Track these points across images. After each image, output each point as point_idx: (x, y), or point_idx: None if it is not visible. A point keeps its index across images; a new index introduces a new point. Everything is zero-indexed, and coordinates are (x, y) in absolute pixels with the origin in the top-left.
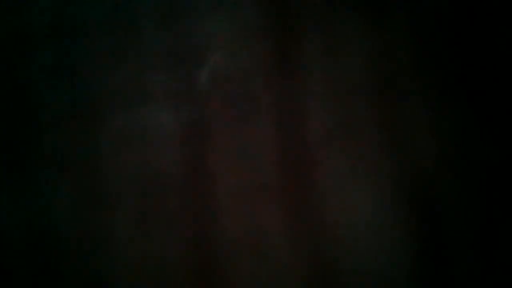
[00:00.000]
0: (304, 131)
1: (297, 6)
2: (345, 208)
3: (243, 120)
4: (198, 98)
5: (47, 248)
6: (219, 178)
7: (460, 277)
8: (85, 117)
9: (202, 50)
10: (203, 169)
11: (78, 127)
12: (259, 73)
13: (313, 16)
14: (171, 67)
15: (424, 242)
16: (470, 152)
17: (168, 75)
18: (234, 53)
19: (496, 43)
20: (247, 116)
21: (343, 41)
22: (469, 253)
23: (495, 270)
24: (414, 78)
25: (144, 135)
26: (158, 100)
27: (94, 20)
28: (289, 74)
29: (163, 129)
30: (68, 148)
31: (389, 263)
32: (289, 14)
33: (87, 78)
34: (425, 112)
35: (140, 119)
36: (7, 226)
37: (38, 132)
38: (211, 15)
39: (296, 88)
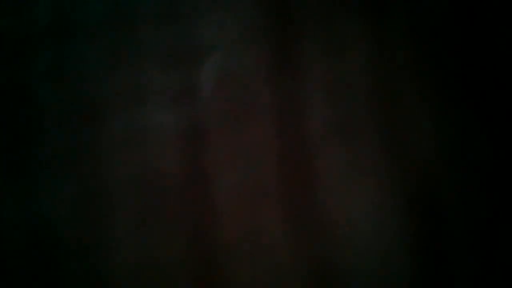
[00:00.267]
0: (304, 131)
1: (297, 6)
2: (345, 208)
3: (243, 120)
4: (198, 98)
5: (47, 248)
6: (219, 177)
7: (460, 277)
8: (85, 117)
9: (202, 50)
10: (203, 169)
11: (78, 127)
12: (259, 73)
13: (313, 16)
14: (171, 67)
15: (424, 242)
16: (470, 152)
17: (168, 75)
18: (234, 53)
19: (496, 43)
20: (247, 116)
21: (343, 41)
22: (469, 253)
23: (495, 270)
24: (414, 78)
25: (144, 135)
26: (158, 100)
27: (94, 20)
28: (289, 74)
29: (163, 129)
30: (68, 148)
31: (389, 263)
32: (289, 14)
33: (87, 78)
34: (425, 112)
35: (140, 119)
36: (7, 226)
37: (38, 132)
38: (211, 15)
39: (296, 88)
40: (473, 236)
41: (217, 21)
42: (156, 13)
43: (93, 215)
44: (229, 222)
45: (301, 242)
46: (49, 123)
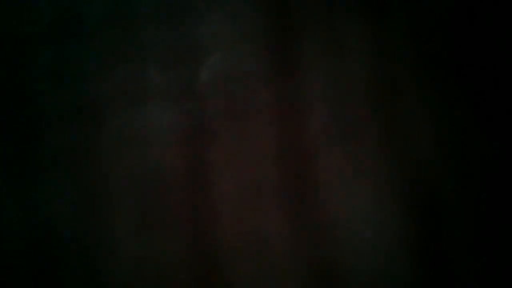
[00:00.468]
0: (304, 131)
1: (297, 6)
2: (345, 208)
3: (243, 119)
4: (198, 98)
5: (47, 248)
6: (219, 177)
7: (460, 277)
8: (85, 117)
9: (202, 50)
10: (203, 168)
11: (78, 127)
12: (259, 73)
13: (313, 16)
14: (171, 66)
15: (424, 242)
16: (470, 152)
17: (168, 74)
18: (234, 53)
19: (496, 43)
20: (247, 116)
21: (343, 41)
22: (469, 253)
23: (495, 270)
24: (414, 78)
25: (144, 134)
26: (158, 99)
27: (94, 20)
28: (289, 74)
29: (163, 129)
30: (69, 148)
31: (389, 263)
32: (289, 14)
33: (87, 77)
34: (425, 112)
35: (140, 118)
36: (7, 226)
37: (39, 132)
38: (211, 15)
39: (296, 88)
40: (473, 236)
41: (217, 21)
42: (156, 13)
43: (93, 215)
44: (229, 222)
45: (301, 242)
46: (49, 123)
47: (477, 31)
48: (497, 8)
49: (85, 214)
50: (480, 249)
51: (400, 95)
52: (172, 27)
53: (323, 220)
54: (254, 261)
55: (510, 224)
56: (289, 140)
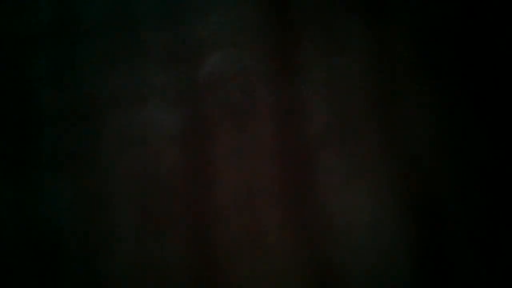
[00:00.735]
0: (304, 131)
1: (297, 6)
2: (345, 208)
3: (243, 119)
4: (198, 98)
5: (47, 248)
6: (219, 177)
7: (460, 277)
8: (85, 117)
9: (202, 50)
10: (203, 168)
11: (78, 127)
12: (259, 73)
13: (313, 16)
14: (171, 67)
15: (424, 242)
16: (470, 152)
17: (168, 75)
18: (234, 53)
19: (496, 43)
20: (247, 116)
21: (343, 41)
22: (469, 253)
23: (495, 270)
24: (414, 78)
25: (144, 134)
26: (158, 100)
27: (94, 20)
28: (289, 74)
29: (163, 129)
30: (68, 148)
31: (389, 263)
32: (289, 14)
33: (87, 78)
34: (425, 112)
35: (140, 119)
36: (7, 226)
37: (38, 132)
38: (211, 15)
39: (296, 88)
40: (473, 235)
41: (217, 21)
42: (156, 13)
43: (93, 215)
44: (229, 222)
45: (301, 242)
46: (49, 123)
47: (477, 31)
48: (497, 8)
49: (85, 214)
50: (480, 249)
51: (400, 95)
52: (172, 27)
53: (323, 220)
54: (254, 261)
55: (510, 224)
56: (289, 140)
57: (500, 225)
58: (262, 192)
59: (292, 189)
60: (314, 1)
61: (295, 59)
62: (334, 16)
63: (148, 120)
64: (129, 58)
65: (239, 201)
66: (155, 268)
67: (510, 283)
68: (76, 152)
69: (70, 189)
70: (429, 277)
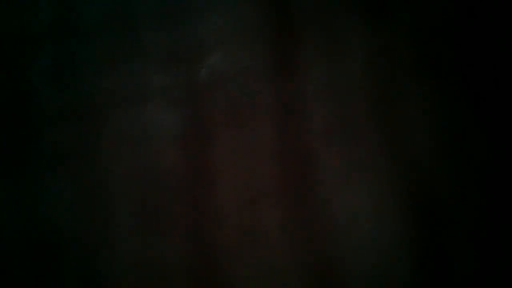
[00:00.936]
0: (304, 131)
1: (297, 6)
2: (345, 208)
3: (243, 120)
4: (198, 98)
5: (47, 248)
6: (219, 177)
7: (460, 277)
8: (85, 117)
9: (202, 50)
10: (203, 168)
11: (78, 127)
12: (259, 73)
13: (313, 16)
14: (171, 66)
15: (424, 242)
16: (470, 152)
17: (168, 74)
18: (234, 53)
19: (496, 43)
20: (247, 116)
21: (343, 41)
22: (469, 253)
23: (495, 270)
24: (414, 78)
25: (144, 134)
26: (158, 99)
27: (94, 20)
28: (289, 74)
29: (163, 129)
30: (68, 148)
31: (389, 263)
32: (289, 14)
33: (87, 77)
34: (425, 112)
35: (140, 118)
36: (6, 226)
37: (38, 132)
38: (211, 15)
39: (296, 88)
40: (473, 235)
41: (217, 21)
42: (156, 13)
43: (93, 215)
44: (229, 222)
45: (301, 241)
46: (49, 123)
47: (477, 31)
48: (497, 8)
49: (85, 214)
50: (480, 249)
51: (400, 95)
52: (172, 27)
53: (323, 220)
54: (254, 261)
55: (510, 224)
56: (289, 139)
57: (500, 225)
58: (262, 192)
59: (292, 189)
60: (314, 1)
61: (295, 59)
62: (334, 16)
63: (148, 120)
64: (129, 58)
65: (239, 201)
66: (155, 268)
67: (510, 283)
68: (76, 152)
69: (70, 189)
70: (429, 277)
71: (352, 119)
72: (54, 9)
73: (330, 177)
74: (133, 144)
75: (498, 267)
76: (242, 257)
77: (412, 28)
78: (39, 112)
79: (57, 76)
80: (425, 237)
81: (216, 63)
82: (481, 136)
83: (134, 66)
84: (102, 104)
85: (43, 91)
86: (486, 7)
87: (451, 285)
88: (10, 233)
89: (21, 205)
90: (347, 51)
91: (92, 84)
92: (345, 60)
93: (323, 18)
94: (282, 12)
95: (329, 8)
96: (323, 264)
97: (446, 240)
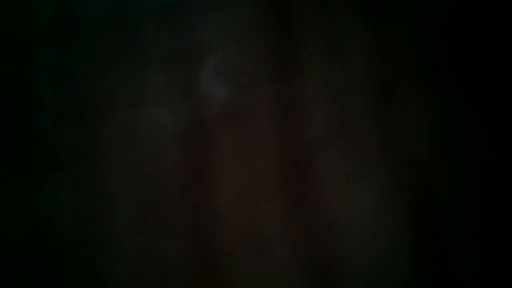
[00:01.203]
0: (304, 131)
1: (297, 6)
2: (345, 209)
3: (243, 119)
4: (198, 98)
5: (47, 248)
6: (219, 178)
7: (460, 277)
8: (85, 117)
9: (202, 50)
10: (203, 169)
11: (78, 127)
12: (259, 73)
13: (313, 16)
14: (171, 67)
15: (424, 242)
16: (470, 152)
17: (168, 75)
18: (234, 53)
19: (496, 43)
20: (247, 116)
21: (343, 42)
22: (469, 253)
23: (495, 270)
24: (414, 78)
25: (144, 135)
26: (158, 100)
27: (94, 20)
28: (289, 74)
29: (163, 129)
30: (68, 148)
31: (389, 263)
32: (289, 14)
33: (87, 78)
34: (425, 112)
35: (140, 119)
36: (6, 226)
37: (38, 132)
38: (211, 15)
39: (296, 88)
40: (473, 236)
41: (217, 21)
42: (156, 13)
43: (93, 215)
44: (229, 222)
45: (301, 241)
46: (49, 123)
47: (477, 31)
48: (497, 8)
49: (85, 214)
50: (480, 249)
51: (400, 96)
52: (172, 27)
53: (323, 220)
54: (254, 261)
55: (510, 224)
56: (289, 140)
57: (500, 225)
58: (262, 192)
59: (292, 189)
60: (314, 1)
61: (295, 59)
62: (334, 16)
63: (148, 120)
64: (129, 58)
65: (239, 201)
66: (155, 268)
67: (510, 283)
68: (76, 152)
69: (70, 189)
70: (429, 277)
71: (352, 119)
72: (54, 9)
73: (330, 177)
74: (133, 144)
75: (498, 267)
76: (242, 257)
77: (412, 28)
78: (39, 112)
79: (57, 76)
80: (425, 237)
81: (216, 63)
82: (481, 136)
83: (134, 66)
84: (102, 104)
85: (43, 91)
86: (486, 7)
87: (451, 285)
88: (10, 233)
89: (21, 205)
90: (347, 51)
91: (92, 84)
92: (345, 60)
93: (323, 18)
94: (282, 12)
95: (329, 8)
96: (323, 264)
97: (446, 240)
